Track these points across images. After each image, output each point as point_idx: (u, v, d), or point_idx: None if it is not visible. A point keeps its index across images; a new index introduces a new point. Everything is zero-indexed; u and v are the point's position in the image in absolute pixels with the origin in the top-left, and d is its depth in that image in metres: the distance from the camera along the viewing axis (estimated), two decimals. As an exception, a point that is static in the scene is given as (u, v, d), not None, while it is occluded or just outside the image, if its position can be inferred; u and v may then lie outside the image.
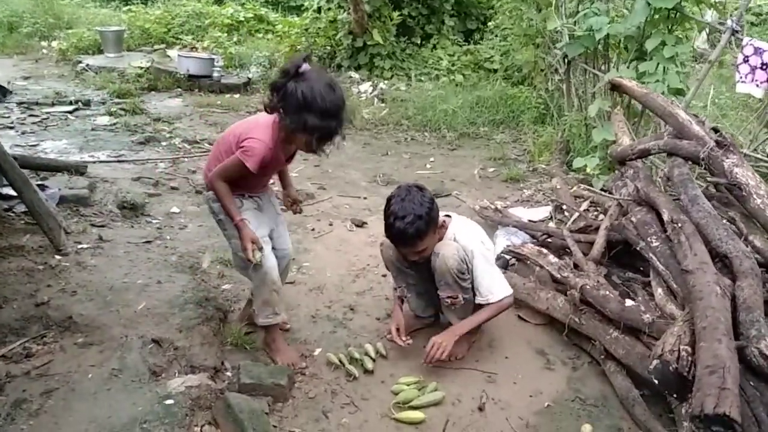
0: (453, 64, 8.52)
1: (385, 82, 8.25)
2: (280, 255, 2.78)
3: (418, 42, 9.43)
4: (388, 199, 2.74)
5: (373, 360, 2.83)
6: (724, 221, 2.52)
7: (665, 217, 2.68)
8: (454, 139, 6.49)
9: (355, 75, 8.56)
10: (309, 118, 2.30)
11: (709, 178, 2.51)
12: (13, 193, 3.71)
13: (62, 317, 2.69)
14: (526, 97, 6.87)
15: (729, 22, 3.82)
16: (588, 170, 4.72)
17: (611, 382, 2.74)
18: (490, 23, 9.33)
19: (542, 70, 6.98)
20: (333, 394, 2.63)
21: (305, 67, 2.34)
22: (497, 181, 5.36)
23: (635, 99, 3.36)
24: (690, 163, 2.76)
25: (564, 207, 4.43)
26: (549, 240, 3.76)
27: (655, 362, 1.94)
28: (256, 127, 2.48)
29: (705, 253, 2.28)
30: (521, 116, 6.75)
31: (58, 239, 3.13)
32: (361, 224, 4.33)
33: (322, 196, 4.85)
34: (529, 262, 3.32)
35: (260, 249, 2.52)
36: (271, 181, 2.85)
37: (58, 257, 3.12)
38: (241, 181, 2.53)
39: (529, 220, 4.25)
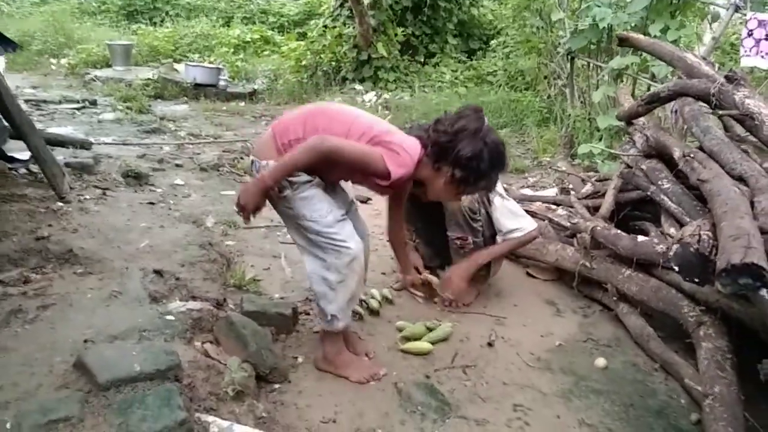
0: (456, 78, 8.63)
1: (389, 93, 8.33)
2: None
3: (422, 60, 9.58)
4: None
5: (380, 303, 2.76)
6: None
7: (676, 154, 2.65)
8: (458, 139, 6.50)
9: (359, 87, 8.65)
10: (484, 182, 2.12)
11: (721, 111, 2.48)
12: (18, 156, 3.70)
13: (62, 250, 2.63)
14: (530, 101, 6.92)
15: (732, -2, 3.88)
16: (594, 153, 4.69)
17: (624, 325, 2.67)
18: (492, 42, 9.49)
19: (545, 77, 7.05)
20: (338, 330, 2.55)
21: (486, 127, 2.08)
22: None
23: (642, 50, 3.38)
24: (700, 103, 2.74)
25: (570, 188, 4.39)
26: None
27: (675, 247, 1.88)
28: (408, 143, 2.07)
29: (719, 169, 2.25)
30: (525, 120, 6.77)
31: (61, 186, 3.09)
32: (365, 200, 4.29)
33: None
34: (537, 215, 3.27)
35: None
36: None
37: (60, 203, 3.08)
38: (325, 169, 2.08)
39: (535, 199, 4.22)
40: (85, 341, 1.97)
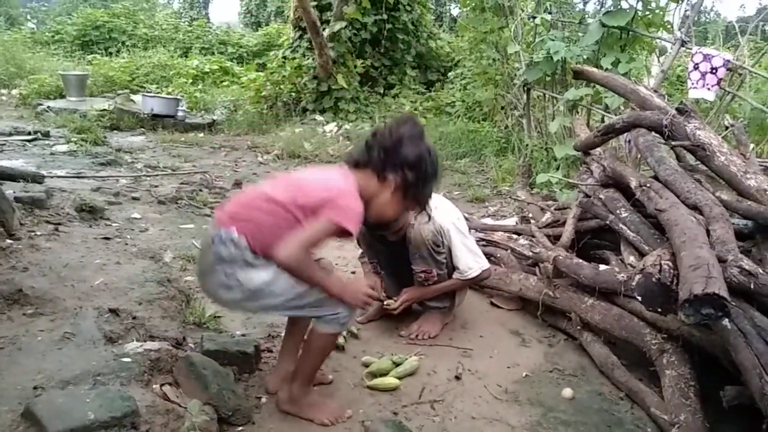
0: (415, 109, 8.75)
1: (350, 123, 8.37)
2: None
3: (382, 91, 9.70)
4: None
5: (345, 338, 2.71)
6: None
7: (633, 183, 2.71)
8: (419, 169, 6.55)
9: (320, 118, 8.67)
10: (428, 188, 2.09)
11: (673, 142, 2.56)
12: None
13: (11, 290, 2.50)
14: (488, 131, 7.05)
15: (678, 33, 4.04)
16: (552, 182, 4.79)
17: (589, 354, 2.68)
18: (450, 73, 9.68)
19: (502, 108, 7.21)
20: (302, 367, 2.48)
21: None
22: (462, 201, 5.39)
23: (597, 83, 3.49)
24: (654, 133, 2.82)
25: (530, 216, 4.45)
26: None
27: (637, 277, 1.90)
28: (341, 187, 1.96)
29: (675, 199, 2.31)
30: (483, 149, 6.89)
31: (11, 223, 2.97)
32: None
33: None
34: (499, 245, 3.29)
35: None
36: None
37: (9, 241, 2.95)
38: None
39: (497, 228, 4.25)
40: (35, 388, 1.87)
